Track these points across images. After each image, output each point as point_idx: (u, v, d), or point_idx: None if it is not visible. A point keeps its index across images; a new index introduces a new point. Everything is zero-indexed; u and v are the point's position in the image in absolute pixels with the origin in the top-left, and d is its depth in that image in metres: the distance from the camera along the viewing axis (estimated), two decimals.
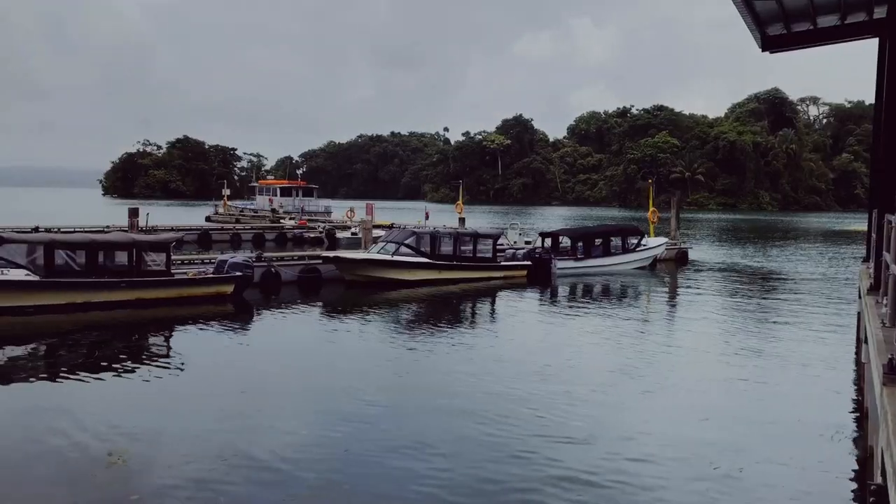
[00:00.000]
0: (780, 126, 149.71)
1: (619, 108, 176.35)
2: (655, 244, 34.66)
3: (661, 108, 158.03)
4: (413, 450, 9.60)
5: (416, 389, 12.90)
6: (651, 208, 37.40)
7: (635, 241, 33.38)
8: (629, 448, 9.87)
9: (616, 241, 33.01)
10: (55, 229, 33.05)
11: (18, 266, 18.87)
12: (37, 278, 18.91)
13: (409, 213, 67.43)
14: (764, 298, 25.25)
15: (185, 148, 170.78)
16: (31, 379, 13.03)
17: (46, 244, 19.36)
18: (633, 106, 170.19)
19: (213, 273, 22.35)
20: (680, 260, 37.17)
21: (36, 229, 31.86)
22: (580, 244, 31.89)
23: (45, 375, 13.28)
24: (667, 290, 28.87)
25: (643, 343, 17.32)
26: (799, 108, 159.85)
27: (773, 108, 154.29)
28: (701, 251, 43.58)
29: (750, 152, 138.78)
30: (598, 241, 32.56)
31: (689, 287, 28.33)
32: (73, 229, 33.93)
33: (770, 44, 16.97)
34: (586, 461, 9.31)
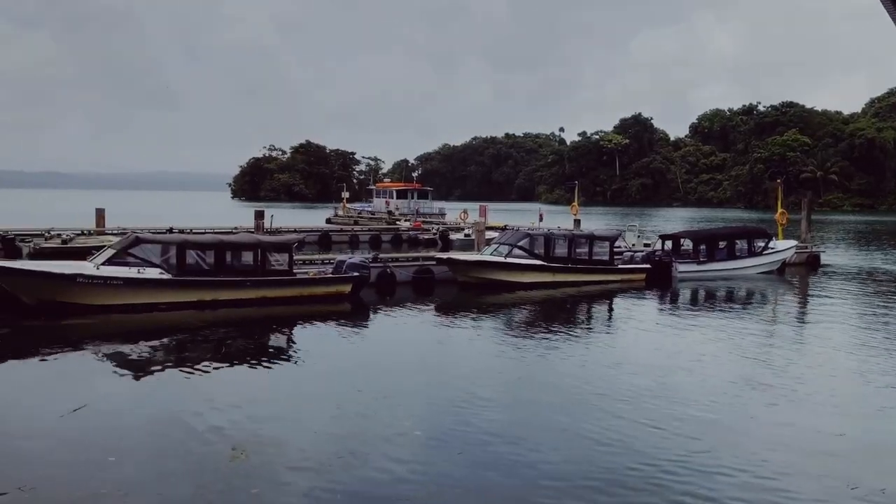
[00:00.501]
0: None
1: (744, 106, 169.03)
2: (784, 247, 32.80)
3: (790, 105, 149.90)
4: (521, 458, 9.45)
5: (528, 395, 12.69)
6: (780, 209, 35.44)
7: (762, 244, 31.70)
8: (754, 463, 9.29)
9: (741, 244, 31.44)
10: (188, 230, 34.97)
11: (153, 265, 20.01)
12: (169, 277, 20.00)
13: (522, 215, 67.00)
14: None
15: (308, 152, 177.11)
16: (162, 373, 13.76)
17: (179, 244, 20.45)
18: (759, 103, 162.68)
19: (332, 273, 22.94)
20: (811, 264, 35.04)
21: (171, 230, 33.80)
22: (703, 247, 30.61)
23: (174, 370, 13.98)
24: (796, 296, 27.27)
25: (769, 353, 16.36)
26: None
27: None
28: (835, 255, 40.96)
29: (890, 150, 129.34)
30: (721, 244, 31.14)
31: (820, 294, 26.59)
32: (203, 230, 35.80)
33: None
34: (709, 477, 8.84)
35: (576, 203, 47.26)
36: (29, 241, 32.38)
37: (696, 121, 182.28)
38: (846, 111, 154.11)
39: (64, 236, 33.24)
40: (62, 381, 13.22)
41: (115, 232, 35.94)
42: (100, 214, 38.42)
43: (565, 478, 8.80)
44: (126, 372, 13.72)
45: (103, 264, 19.74)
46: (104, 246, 26.21)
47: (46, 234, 33.75)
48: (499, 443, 9.90)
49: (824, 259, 36.57)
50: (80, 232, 35.73)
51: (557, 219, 53.31)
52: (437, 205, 70.54)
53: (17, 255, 29.60)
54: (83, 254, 26.80)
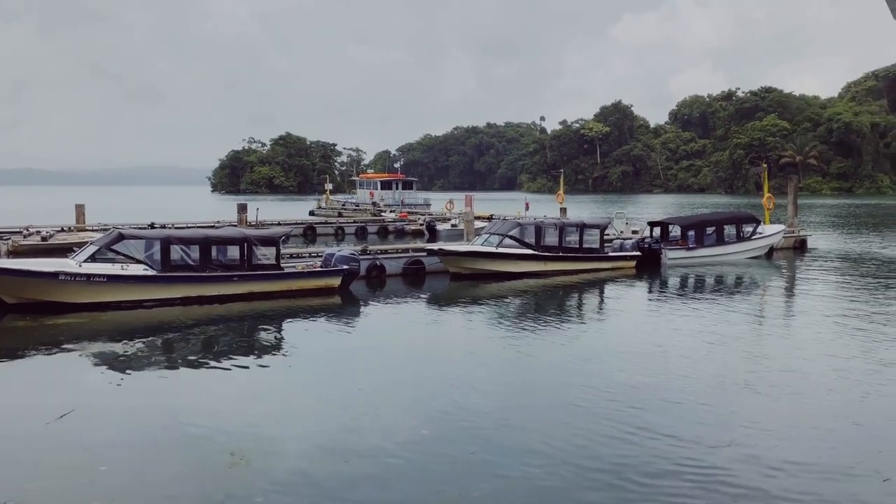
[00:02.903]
0: None
1: (723, 92, 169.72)
2: (772, 232, 32.79)
3: (769, 90, 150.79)
4: (517, 448, 9.24)
5: (523, 386, 12.36)
6: (766, 194, 35.42)
7: (750, 229, 31.65)
8: (746, 446, 9.10)
9: (730, 230, 31.38)
10: (170, 225, 34.33)
11: (137, 261, 19.50)
12: (154, 273, 19.50)
13: (507, 205, 66.73)
14: None
15: (288, 144, 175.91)
16: (151, 374, 13.30)
17: (163, 240, 19.94)
18: (738, 89, 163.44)
19: (320, 266, 22.53)
20: (798, 248, 35.12)
21: (152, 225, 33.16)
22: (691, 233, 30.49)
23: (163, 371, 13.54)
24: (786, 281, 27.21)
25: (762, 339, 16.24)
26: None
27: (893, 86, 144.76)
28: (819, 239, 41.08)
29: (867, 133, 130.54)
30: (710, 230, 31.04)
31: (810, 278, 26.56)
32: (185, 225, 35.19)
33: None
34: (702, 462, 8.62)
35: (561, 191, 47.10)
36: (7, 239, 31.63)
37: (675, 107, 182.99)
38: (824, 95, 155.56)
39: (43, 233, 32.57)
40: (46, 385, 12.73)
41: (96, 228, 35.27)
42: (80, 210, 37.65)
43: (555, 472, 8.53)
44: (113, 373, 13.23)
45: (86, 261, 19.20)
46: (86, 242, 25.65)
47: (25, 232, 33.02)
48: (494, 436, 9.61)
49: (810, 243, 36.64)
50: (59, 229, 35.03)
51: (543, 207, 53.13)
52: (422, 195, 70.17)
53: None
54: (64, 251, 26.18)
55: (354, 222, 47.38)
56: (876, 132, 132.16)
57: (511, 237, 26.26)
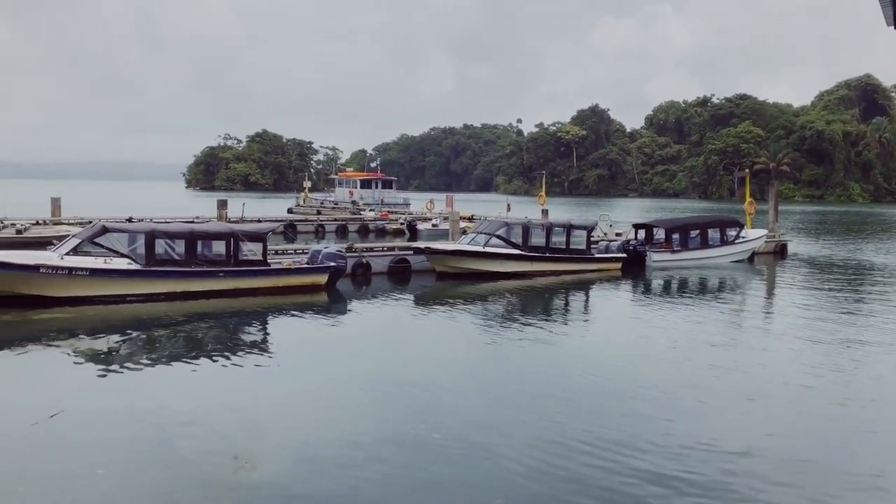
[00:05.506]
0: (872, 114, 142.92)
1: (699, 98, 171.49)
2: (755, 236, 32.99)
3: (743, 97, 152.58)
4: (499, 448, 9.13)
5: (508, 387, 12.16)
6: (748, 199, 35.66)
7: (734, 233, 31.85)
8: (726, 446, 9.12)
9: (713, 233, 31.52)
10: (147, 220, 33.70)
11: (121, 255, 19.04)
12: (138, 267, 19.05)
13: (487, 205, 66.67)
14: (883, 297, 23.55)
15: (264, 142, 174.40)
16: (139, 372, 12.89)
17: (148, 234, 19.49)
18: (713, 95, 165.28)
19: (307, 263, 22.20)
20: (779, 253, 35.43)
21: (130, 220, 32.53)
22: (676, 235, 30.59)
23: (151, 368, 13.13)
24: (768, 284, 27.36)
25: (745, 343, 16.23)
26: (894, 94, 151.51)
27: (864, 96, 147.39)
28: (798, 244, 41.51)
29: (839, 142, 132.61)
30: (694, 233, 31.18)
31: (792, 282, 26.73)
32: (164, 220, 34.57)
33: None
34: (683, 460, 8.58)
35: (543, 193, 47.06)
36: None
37: (651, 112, 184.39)
38: (797, 104, 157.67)
39: (18, 226, 31.81)
40: (32, 383, 12.27)
41: (73, 222, 34.54)
42: (55, 204, 36.90)
43: (539, 468, 8.44)
44: (101, 371, 12.82)
45: (67, 254, 18.70)
46: (64, 236, 25.07)
47: None
48: (479, 437, 9.44)
49: (790, 248, 36.97)
50: (35, 222, 34.24)
51: (523, 209, 53.09)
52: (402, 195, 69.87)
53: None
54: (40, 244, 25.60)
55: (335, 220, 46.97)
56: (847, 140, 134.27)
57: (498, 237, 26.12)
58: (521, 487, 8.01)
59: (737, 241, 31.73)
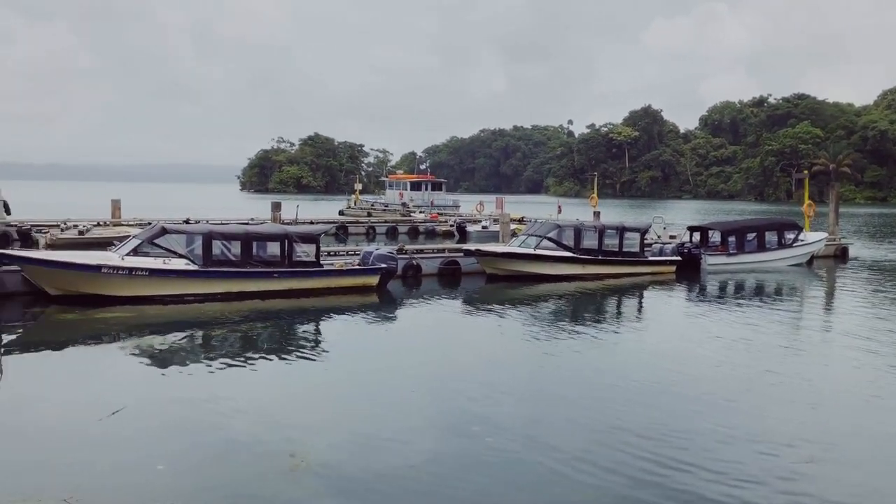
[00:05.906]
0: None
1: (755, 98, 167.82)
2: (814, 239, 32.13)
3: (802, 97, 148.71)
4: (545, 456, 8.99)
5: (558, 393, 12.01)
6: (807, 201, 34.74)
7: (792, 236, 31.05)
8: (779, 454, 8.81)
9: (771, 236, 30.77)
10: (204, 221, 34.41)
11: (179, 256, 19.49)
12: (196, 268, 19.47)
13: (538, 207, 66.29)
14: None
15: (316, 144, 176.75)
16: (197, 370, 13.17)
17: (205, 235, 19.91)
18: (770, 95, 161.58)
19: (358, 265, 22.40)
20: (839, 256, 34.41)
21: (187, 221, 33.29)
22: (732, 238, 29.95)
23: (209, 366, 13.37)
24: (828, 289, 26.58)
25: (805, 349, 15.75)
26: None
27: None
28: (859, 247, 40.23)
29: None
30: (750, 236, 30.47)
31: (854, 287, 25.86)
32: (220, 221, 35.26)
33: None
34: (735, 467, 8.37)
35: (594, 194, 46.69)
36: (45, 232, 31.97)
37: (706, 113, 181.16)
38: (858, 103, 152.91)
39: (80, 227, 32.81)
40: (95, 380, 12.66)
41: (132, 223, 35.51)
42: (115, 206, 37.99)
43: (585, 478, 8.31)
44: (160, 369, 13.15)
45: (128, 255, 19.23)
46: (124, 237, 25.78)
47: (62, 226, 33.32)
48: (523, 443, 9.36)
49: (851, 252, 35.88)
50: (96, 223, 35.29)
51: (574, 211, 52.70)
52: (451, 197, 70.02)
53: (33, 246, 29.16)
54: (101, 245, 26.37)
55: (385, 222, 47.33)
56: None
57: (550, 239, 25.94)
58: (577, 491, 7.93)
59: (795, 244, 30.94)
